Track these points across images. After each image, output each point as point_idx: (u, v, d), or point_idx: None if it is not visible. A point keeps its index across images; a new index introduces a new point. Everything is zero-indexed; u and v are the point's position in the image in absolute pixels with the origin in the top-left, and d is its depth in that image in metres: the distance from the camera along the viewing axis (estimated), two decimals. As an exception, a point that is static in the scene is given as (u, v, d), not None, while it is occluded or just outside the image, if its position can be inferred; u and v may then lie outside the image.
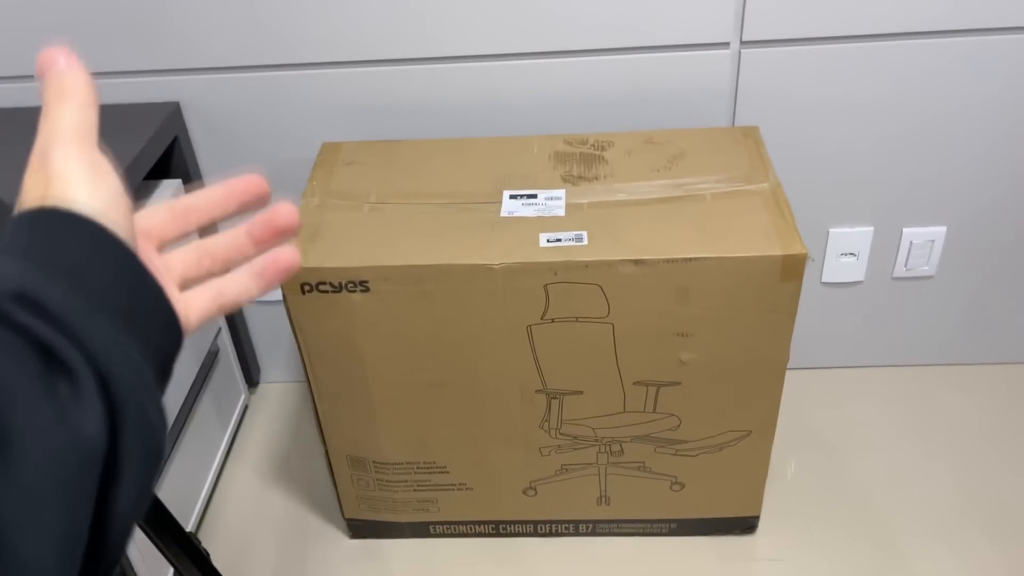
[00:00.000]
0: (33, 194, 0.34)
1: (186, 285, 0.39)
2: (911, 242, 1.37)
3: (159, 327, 0.35)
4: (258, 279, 0.40)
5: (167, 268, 0.39)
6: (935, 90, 1.23)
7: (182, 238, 0.40)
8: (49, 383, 0.28)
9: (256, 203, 0.41)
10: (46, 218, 0.33)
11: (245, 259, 0.41)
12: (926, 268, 1.40)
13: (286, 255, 0.41)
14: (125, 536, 0.31)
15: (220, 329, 1.40)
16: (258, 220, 0.41)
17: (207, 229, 0.41)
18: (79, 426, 0.28)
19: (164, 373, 0.35)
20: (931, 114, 1.25)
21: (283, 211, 0.40)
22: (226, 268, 0.40)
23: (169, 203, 0.40)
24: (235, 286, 0.40)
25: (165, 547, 0.71)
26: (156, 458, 0.31)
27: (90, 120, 0.36)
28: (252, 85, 1.25)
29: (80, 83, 0.36)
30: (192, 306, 0.38)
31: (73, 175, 0.34)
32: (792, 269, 0.97)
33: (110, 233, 0.33)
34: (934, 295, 1.43)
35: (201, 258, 0.40)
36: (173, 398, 1.23)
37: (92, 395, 0.29)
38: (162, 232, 0.40)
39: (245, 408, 1.53)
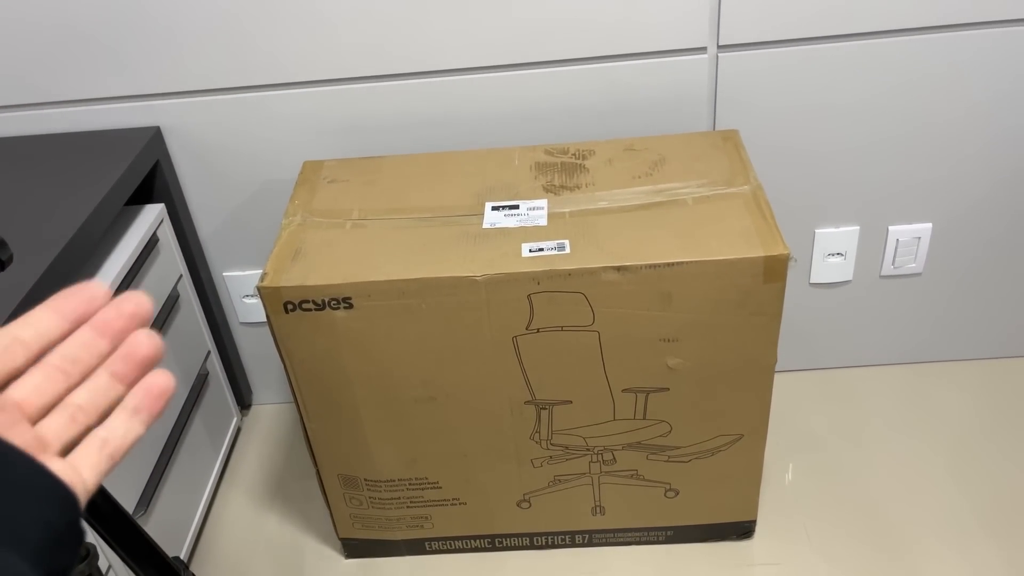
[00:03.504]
0: None
1: (69, 449, 0.37)
2: (897, 240, 1.37)
3: (41, 504, 0.33)
4: (136, 415, 0.38)
5: (41, 441, 0.37)
6: (915, 87, 1.23)
7: (53, 385, 0.38)
8: None
9: (96, 310, 0.39)
10: None
11: (117, 399, 0.39)
12: (913, 265, 1.40)
13: (158, 381, 0.38)
14: None
15: (209, 352, 1.40)
16: (118, 358, 0.38)
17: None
18: None
19: (64, 545, 0.34)
20: (912, 110, 1.25)
21: (142, 342, 0.38)
22: (102, 416, 0.39)
23: (10, 350, 0.37)
24: (118, 431, 0.38)
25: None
26: None
27: None
28: (232, 107, 1.25)
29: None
30: (82, 466, 0.37)
31: None
32: (775, 270, 0.97)
33: None
34: (922, 292, 1.43)
35: (74, 416, 0.38)
36: (164, 422, 1.23)
37: None
38: (34, 395, 0.37)
39: (238, 431, 1.52)
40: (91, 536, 0.82)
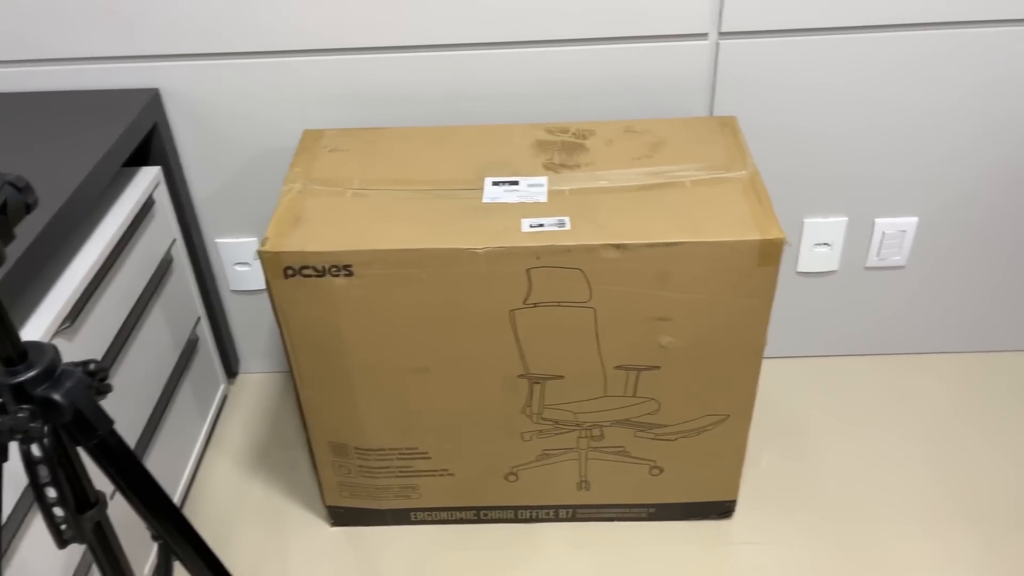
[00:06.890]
0: None
1: None
2: (883, 232, 1.40)
3: None
4: None
5: None
6: (907, 82, 1.25)
7: None
8: None
9: None
10: None
11: None
12: (898, 258, 1.43)
13: None
14: None
15: (199, 318, 1.40)
16: None
17: None
18: None
19: None
20: (904, 106, 1.27)
21: None
22: None
23: None
24: None
25: (156, 520, 0.71)
26: None
27: None
28: (232, 72, 1.25)
29: None
30: None
31: None
32: (769, 254, 0.99)
33: None
34: (905, 285, 1.46)
35: None
36: (153, 387, 1.23)
37: None
38: None
39: (224, 398, 1.52)
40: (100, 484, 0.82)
